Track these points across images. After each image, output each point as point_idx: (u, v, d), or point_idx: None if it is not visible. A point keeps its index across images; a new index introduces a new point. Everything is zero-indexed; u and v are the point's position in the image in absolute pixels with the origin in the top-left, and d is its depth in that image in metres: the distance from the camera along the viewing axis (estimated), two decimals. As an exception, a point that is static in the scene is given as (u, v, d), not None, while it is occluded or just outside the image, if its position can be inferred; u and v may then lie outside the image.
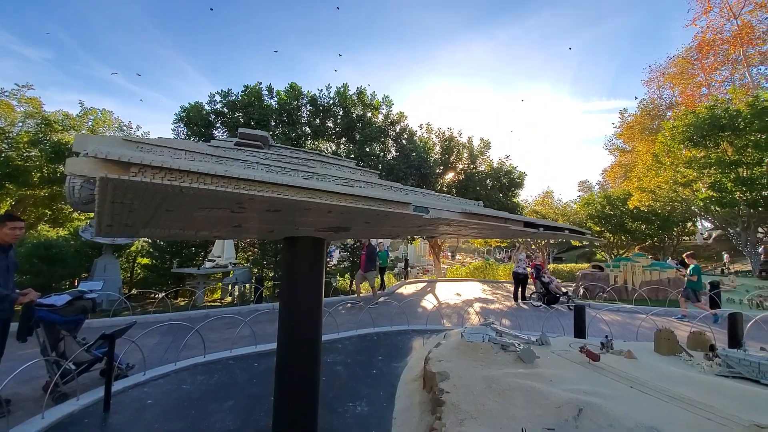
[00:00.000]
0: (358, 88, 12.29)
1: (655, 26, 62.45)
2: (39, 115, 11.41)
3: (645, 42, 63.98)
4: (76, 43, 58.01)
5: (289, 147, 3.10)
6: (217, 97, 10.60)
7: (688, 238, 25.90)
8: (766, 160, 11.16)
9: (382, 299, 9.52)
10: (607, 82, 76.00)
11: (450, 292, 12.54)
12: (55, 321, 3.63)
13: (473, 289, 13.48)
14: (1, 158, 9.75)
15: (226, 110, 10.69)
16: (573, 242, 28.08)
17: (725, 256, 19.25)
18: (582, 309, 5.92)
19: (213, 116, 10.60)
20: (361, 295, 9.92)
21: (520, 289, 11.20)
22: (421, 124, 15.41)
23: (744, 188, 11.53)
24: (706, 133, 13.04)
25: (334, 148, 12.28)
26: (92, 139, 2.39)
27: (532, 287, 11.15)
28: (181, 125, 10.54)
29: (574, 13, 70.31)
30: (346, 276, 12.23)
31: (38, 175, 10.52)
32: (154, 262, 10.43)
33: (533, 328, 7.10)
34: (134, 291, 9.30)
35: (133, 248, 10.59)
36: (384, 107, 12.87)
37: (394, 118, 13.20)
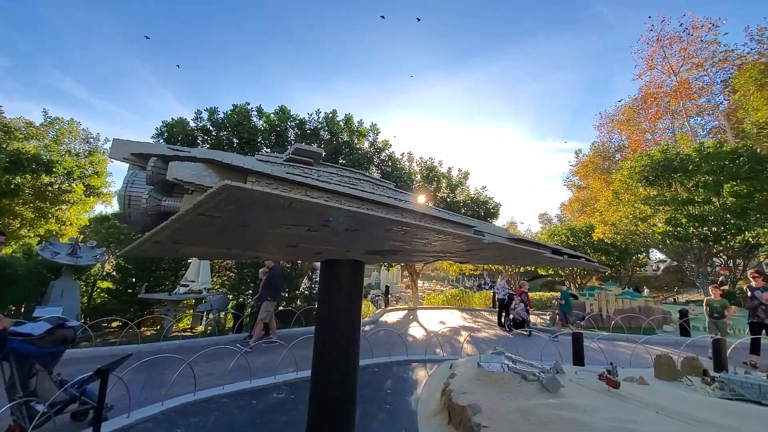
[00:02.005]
0: (346, 114, 12.45)
1: (603, 78, 70.42)
2: (-4, 121, 10.30)
3: (594, 91, 71.72)
4: (35, 51, 54.56)
5: (334, 165, 2.99)
6: (204, 115, 10.23)
7: (640, 269, 27.92)
8: (714, 200, 12.47)
9: (262, 343, 7.22)
10: (562, 124, 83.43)
11: (433, 320, 12.40)
12: (31, 354, 3.09)
13: (455, 317, 13.44)
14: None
15: (212, 128, 10.31)
16: (539, 270, 29.18)
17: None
18: (580, 336, 6.04)
19: (198, 133, 10.16)
20: (275, 331, 7.64)
21: (503, 315, 11.42)
22: (402, 153, 15.77)
23: (696, 224, 12.73)
24: (660, 174, 14.47)
25: (320, 171, 12.14)
26: (136, 144, 2.15)
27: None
28: (161, 140, 9.97)
29: (532, 63, 77.94)
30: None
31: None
32: (117, 286, 9.40)
33: (520, 355, 7.10)
34: (121, 321, 8.23)
35: (93, 270, 9.52)
36: (371, 134, 13.08)
37: (380, 145, 13.41)
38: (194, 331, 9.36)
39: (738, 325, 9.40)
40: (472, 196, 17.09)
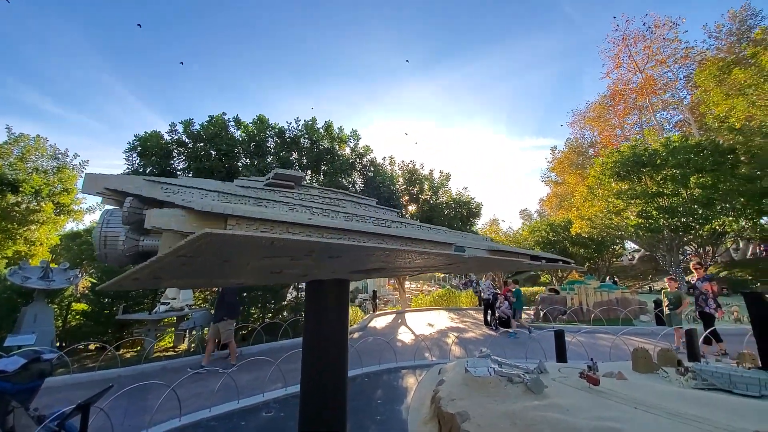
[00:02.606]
0: (326, 121, 12.44)
1: (572, 76, 72.83)
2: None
3: (566, 88, 74.09)
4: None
5: (316, 186, 3.02)
6: (179, 127, 9.98)
7: (616, 259, 28.98)
8: (682, 192, 13.12)
9: (233, 365, 6.64)
10: (536, 122, 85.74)
11: (421, 322, 12.49)
12: (6, 391, 2.96)
13: (442, 319, 13.58)
14: None
15: (187, 140, 10.07)
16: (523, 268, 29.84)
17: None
18: (561, 333, 6.23)
19: (173, 146, 9.90)
20: (234, 353, 7.29)
21: (489, 314, 11.63)
22: (384, 157, 15.87)
23: (666, 215, 13.37)
24: (630, 169, 15.12)
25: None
26: (110, 177, 2.13)
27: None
28: (134, 155, 9.67)
29: (505, 63, 79.89)
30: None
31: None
32: (93, 307, 9.05)
33: (506, 354, 7.28)
34: (99, 344, 7.88)
35: (67, 293, 9.12)
36: (351, 140, 13.10)
37: (361, 151, 13.45)
38: (177, 350, 9.10)
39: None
40: (454, 197, 17.34)
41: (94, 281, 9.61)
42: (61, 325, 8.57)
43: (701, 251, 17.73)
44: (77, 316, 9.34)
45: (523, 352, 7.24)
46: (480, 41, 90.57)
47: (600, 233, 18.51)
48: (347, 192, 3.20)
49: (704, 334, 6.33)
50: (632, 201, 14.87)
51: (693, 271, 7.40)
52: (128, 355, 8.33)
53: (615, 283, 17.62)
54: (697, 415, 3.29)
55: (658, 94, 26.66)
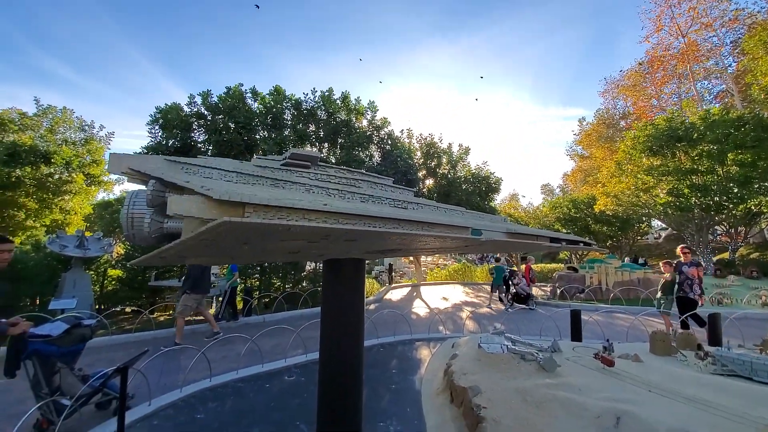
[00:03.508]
0: (342, 92, 12.18)
1: (604, 39, 67.34)
2: (-13, 112, 10.17)
3: (596, 54, 68.88)
4: (13, 29, 52.78)
5: (332, 165, 3.00)
6: (198, 99, 10.04)
7: (641, 237, 28.08)
8: (718, 169, 12.35)
9: (217, 336, 6.77)
10: (564, 90, 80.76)
11: (436, 296, 12.71)
12: (53, 353, 3.26)
13: (457, 293, 13.76)
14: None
15: (206, 112, 10.15)
16: (541, 243, 29.42)
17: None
18: (578, 312, 6.21)
19: (193, 119, 10.01)
20: (214, 323, 7.26)
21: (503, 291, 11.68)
22: (402, 130, 15.54)
23: (699, 194, 12.69)
24: (664, 144, 14.24)
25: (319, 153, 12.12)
26: (133, 157, 2.17)
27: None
28: (156, 127, 9.86)
29: (531, 24, 74.32)
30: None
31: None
32: (127, 274, 9.65)
33: (520, 331, 7.36)
34: (134, 308, 8.52)
35: (103, 260, 9.73)
36: (369, 112, 12.84)
37: (378, 123, 13.21)
38: (205, 315, 9.67)
39: (736, 295, 9.58)
40: (473, 171, 16.97)
41: (128, 248, 10.16)
42: (98, 290, 9.22)
43: (732, 232, 16.89)
44: (113, 282, 10.00)
45: (537, 329, 7.30)
46: (503, 1, 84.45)
47: (626, 211, 17.84)
48: (363, 172, 3.18)
49: (681, 318, 6.49)
50: (663, 178, 14.14)
51: (681, 255, 7.11)
52: (161, 319, 8.93)
53: (644, 263, 16.96)
54: (712, 401, 3.27)
55: (701, 61, 24.46)
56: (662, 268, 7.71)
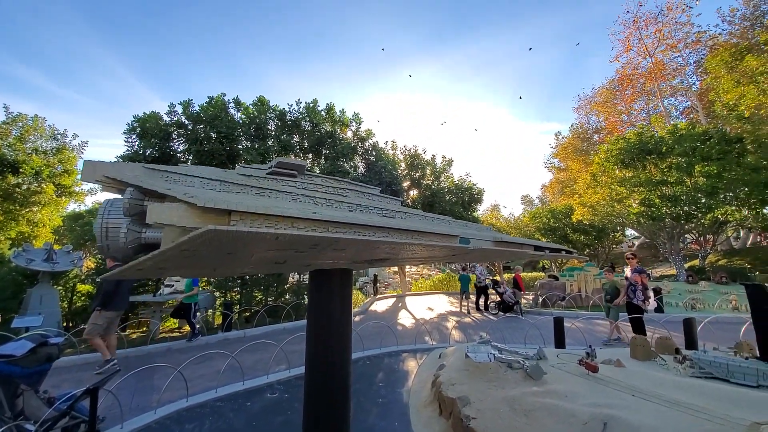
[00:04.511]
0: (327, 104, 12.22)
1: (577, 59, 70.93)
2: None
3: (572, 71, 72.37)
4: (-17, 37, 50.79)
5: (319, 174, 2.99)
6: (178, 108, 9.82)
7: (616, 246, 29.07)
8: (686, 181, 12.99)
9: (111, 366, 5.61)
10: (541, 106, 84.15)
11: (421, 306, 12.67)
12: (15, 374, 3.02)
13: (442, 303, 13.76)
14: None
15: (187, 122, 9.93)
16: (522, 253, 30.01)
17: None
18: (561, 320, 6.31)
19: (173, 128, 9.77)
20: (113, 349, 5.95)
21: (482, 299, 11.83)
22: (386, 141, 15.68)
23: (669, 204, 13.29)
24: (635, 156, 14.94)
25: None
26: (109, 165, 2.09)
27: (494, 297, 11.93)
28: (134, 136, 9.55)
29: (508, 45, 77.74)
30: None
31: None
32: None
33: (505, 339, 7.40)
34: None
35: (72, 274, 9.21)
36: (353, 124, 12.91)
37: (363, 134, 13.29)
38: (182, 331, 9.27)
39: (708, 300, 9.97)
40: (456, 182, 17.25)
41: (99, 262, 9.68)
42: (66, 306, 8.70)
43: (702, 239, 17.69)
44: (82, 297, 9.46)
45: (521, 337, 7.35)
46: (485, 21, 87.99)
47: (601, 220, 18.47)
48: (350, 181, 3.16)
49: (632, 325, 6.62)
50: (635, 189, 14.78)
51: (626, 262, 7.24)
52: (134, 336, 8.49)
53: (613, 269, 17.62)
54: (694, 403, 3.35)
55: (667, 79, 26.03)
56: (605, 276, 7.76)
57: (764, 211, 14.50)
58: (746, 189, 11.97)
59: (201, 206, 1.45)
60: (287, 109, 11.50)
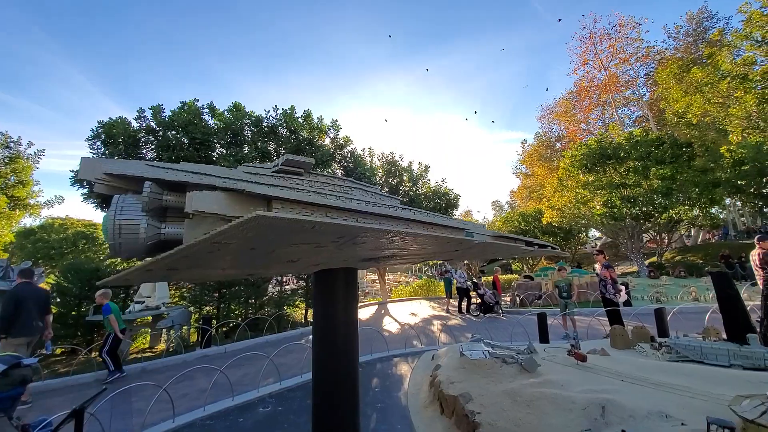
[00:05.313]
0: (305, 111, 12.12)
1: (540, 73, 75.28)
2: None
3: (535, 83, 76.61)
4: None
5: (323, 174, 2.97)
6: (148, 113, 9.35)
7: (581, 247, 30.66)
8: (643, 183, 14.01)
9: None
10: (507, 116, 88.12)
11: (404, 312, 12.67)
12: (-15, 400, 2.73)
13: (424, 308, 13.84)
14: None
15: (158, 128, 9.47)
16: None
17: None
18: (544, 316, 6.55)
19: (142, 134, 9.28)
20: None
21: (465, 302, 12.04)
22: (364, 148, 15.75)
23: (629, 205, 14.25)
24: (597, 161, 15.94)
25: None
26: (111, 163, 2.02)
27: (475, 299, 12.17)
28: (98, 143, 8.98)
29: (476, 58, 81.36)
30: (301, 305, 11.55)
31: None
32: (59, 309, 8.42)
33: (492, 338, 7.56)
34: (67, 348, 7.16)
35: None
36: (332, 130, 12.88)
37: (341, 141, 13.28)
38: (155, 350, 8.71)
39: (670, 293, 10.71)
40: (433, 188, 17.57)
41: (60, 280, 8.94)
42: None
43: (658, 238, 19.01)
44: (40, 319, 8.66)
45: (507, 335, 7.55)
46: (451, 36, 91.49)
47: (569, 222, 19.45)
48: (353, 180, 3.17)
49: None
50: (598, 192, 15.74)
51: (595, 259, 7.50)
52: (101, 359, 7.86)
53: (580, 267, 18.60)
54: (677, 384, 3.59)
55: (621, 90, 28.19)
56: (557, 273, 7.93)
57: (712, 210, 15.89)
58: (696, 189, 13.08)
59: (246, 192, 1.43)
60: (264, 115, 11.30)
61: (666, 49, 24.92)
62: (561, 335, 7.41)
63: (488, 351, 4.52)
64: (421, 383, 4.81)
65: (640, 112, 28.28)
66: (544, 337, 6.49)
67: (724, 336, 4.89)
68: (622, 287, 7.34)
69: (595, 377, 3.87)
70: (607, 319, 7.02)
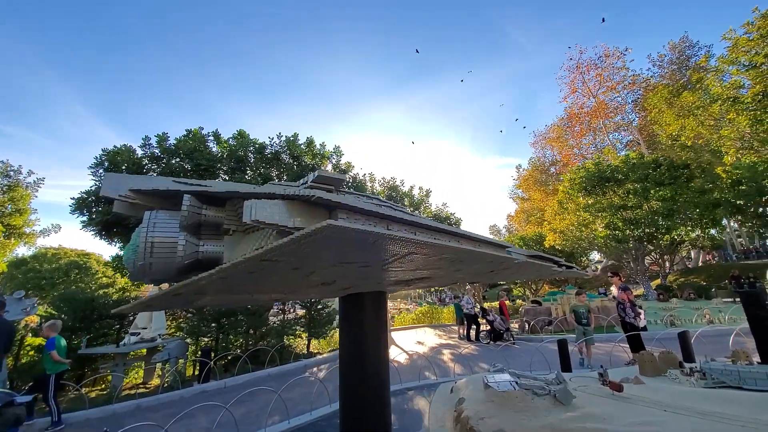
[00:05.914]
0: (308, 137, 12.23)
1: (529, 101, 78.19)
2: None
3: (524, 111, 79.28)
4: None
5: (352, 192, 2.87)
6: (153, 141, 9.35)
7: (583, 270, 30.44)
8: (644, 204, 14.10)
9: None
10: (499, 142, 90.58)
11: (410, 340, 12.22)
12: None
13: (429, 336, 13.39)
14: None
15: (162, 155, 9.44)
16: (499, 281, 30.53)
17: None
18: (565, 342, 6.26)
19: (146, 161, 9.22)
20: None
21: (473, 329, 11.63)
22: (365, 174, 15.81)
23: (632, 226, 14.25)
24: (596, 184, 16.11)
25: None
26: (137, 179, 1.88)
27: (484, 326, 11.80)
28: (101, 170, 8.88)
29: (466, 87, 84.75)
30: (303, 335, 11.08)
31: None
32: (49, 343, 7.94)
33: (515, 367, 7.20)
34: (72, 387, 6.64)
35: (20, 325, 7.93)
36: (334, 157, 12.96)
37: (343, 167, 13.33)
38: (148, 386, 8.19)
39: (682, 316, 10.45)
40: (434, 212, 17.54)
41: (50, 311, 8.52)
42: (12, 363, 7.43)
43: (661, 260, 18.91)
44: (30, 352, 8.17)
45: (524, 364, 7.20)
46: (441, 68, 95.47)
47: (571, 245, 19.37)
48: (380, 198, 3.06)
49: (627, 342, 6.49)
50: (599, 214, 15.79)
51: (612, 283, 7.33)
52: (92, 395, 7.36)
53: (604, 293, 18.17)
54: (722, 412, 3.33)
55: (610, 116, 29.15)
56: (575, 299, 7.51)
57: (712, 231, 15.94)
58: (697, 210, 13.15)
59: (306, 198, 1.28)
60: (267, 142, 11.37)
61: (651, 76, 26.09)
62: (576, 363, 7.10)
63: (516, 382, 4.24)
64: (443, 419, 4.46)
65: (631, 136, 29.11)
66: (566, 366, 6.17)
67: (756, 359, 4.66)
68: (641, 310, 7.10)
69: (635, 408, 3.60)
70: (627, 344, 6.74)
